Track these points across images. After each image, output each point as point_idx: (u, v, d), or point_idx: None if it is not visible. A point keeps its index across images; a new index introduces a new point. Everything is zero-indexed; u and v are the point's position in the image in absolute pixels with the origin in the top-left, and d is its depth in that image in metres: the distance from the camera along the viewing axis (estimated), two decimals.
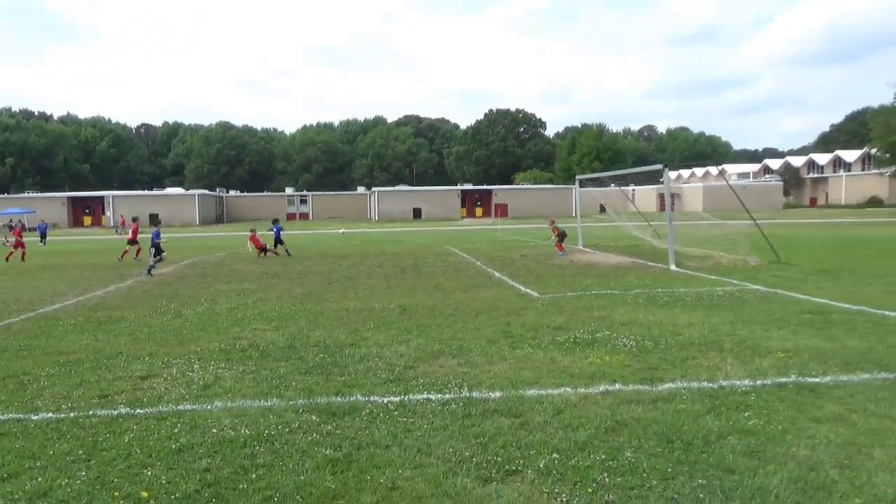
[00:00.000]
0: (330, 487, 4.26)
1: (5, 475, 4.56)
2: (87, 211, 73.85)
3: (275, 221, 26.49)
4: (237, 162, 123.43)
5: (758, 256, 18.19)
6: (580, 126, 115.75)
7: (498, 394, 6.14)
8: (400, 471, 4.48)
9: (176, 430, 5.36)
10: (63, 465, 4.73)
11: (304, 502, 4.09)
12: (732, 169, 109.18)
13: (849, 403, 5.67)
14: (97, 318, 11.08)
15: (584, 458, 4.58)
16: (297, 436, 5.18)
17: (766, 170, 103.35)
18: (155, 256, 18.92)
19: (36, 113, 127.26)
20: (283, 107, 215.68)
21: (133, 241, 24.36)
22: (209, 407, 5.97)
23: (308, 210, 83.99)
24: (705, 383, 6.34)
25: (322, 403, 5.98)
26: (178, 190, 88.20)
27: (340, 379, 6.83)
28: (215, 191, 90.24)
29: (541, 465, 4.48)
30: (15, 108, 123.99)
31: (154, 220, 24.63)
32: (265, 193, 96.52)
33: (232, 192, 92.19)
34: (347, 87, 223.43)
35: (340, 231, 37.31)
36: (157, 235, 19.55)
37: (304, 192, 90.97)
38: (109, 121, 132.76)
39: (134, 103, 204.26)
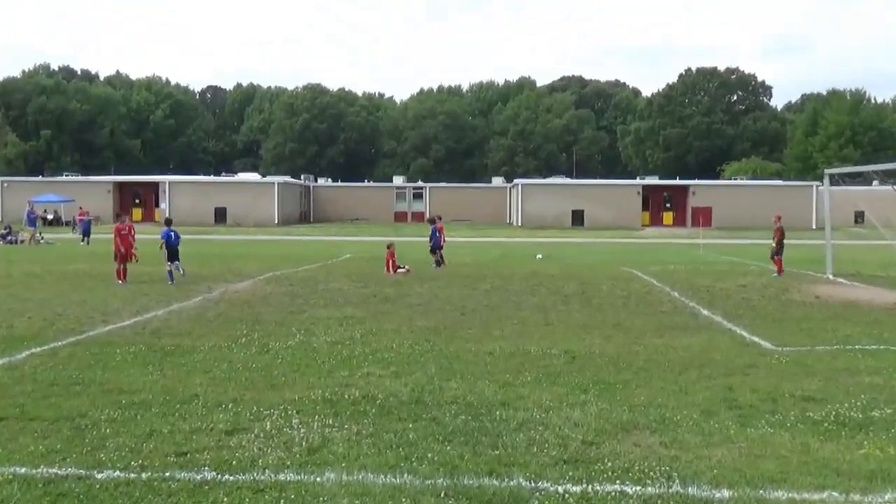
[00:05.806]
0: None
1: None
2: (137, 201, 78.98)
3: (431, 221, 30.44)
4: (329, 140, 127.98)
5: None
6: (825, 93, 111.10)
7: (726, 493, 6.00)
8: None
9: None
10: None
11: None
12: None
13: None
14: (162, 346, 11.97)
15: None
16: None
17: None
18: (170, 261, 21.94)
19: (79, 72, 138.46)
20: (394, 65, 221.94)
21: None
22: (319, 479, 6.26)
23: (424, 208, 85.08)
24: None
25: (471, 486, 6.09)
26: (253, 176, 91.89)
27: (493, 453, 6.94)
28: (300, 178, 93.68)
29: None
30: (54, 66, 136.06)
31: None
32: (367, 184, 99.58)
33: (321, 181, 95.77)
34: (482, 39, 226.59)
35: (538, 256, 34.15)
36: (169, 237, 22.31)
37: (420, 184, 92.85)
38: (168, 82, 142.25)
39: (198, 60, 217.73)
